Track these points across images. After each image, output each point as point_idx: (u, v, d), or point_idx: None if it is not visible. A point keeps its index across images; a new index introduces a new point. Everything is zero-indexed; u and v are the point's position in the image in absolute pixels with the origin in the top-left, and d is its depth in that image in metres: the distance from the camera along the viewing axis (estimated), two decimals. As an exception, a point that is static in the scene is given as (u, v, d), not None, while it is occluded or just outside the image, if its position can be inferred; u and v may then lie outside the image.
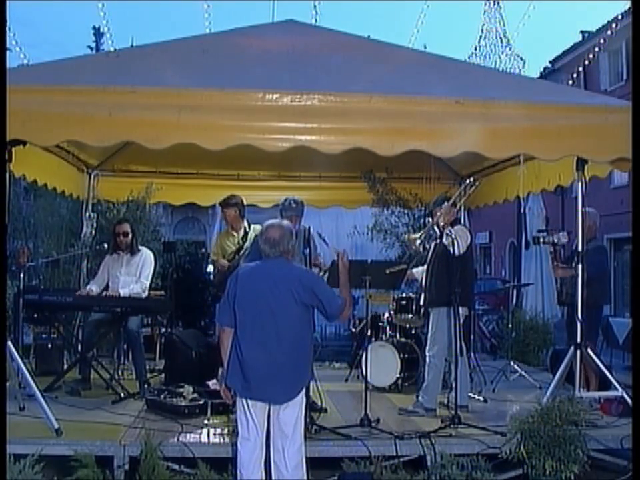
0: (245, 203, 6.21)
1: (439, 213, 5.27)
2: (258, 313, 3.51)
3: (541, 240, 5.90)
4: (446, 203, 5.27)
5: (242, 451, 3.52)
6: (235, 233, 6.15)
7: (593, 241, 5.79)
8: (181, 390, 5.05)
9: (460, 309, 4.97)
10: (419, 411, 5.15)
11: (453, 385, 4.96)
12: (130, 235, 6.06)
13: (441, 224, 5.21)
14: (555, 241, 5.75)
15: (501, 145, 4.53)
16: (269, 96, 4.27)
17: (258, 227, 4.75)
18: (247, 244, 5.90)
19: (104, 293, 5.94)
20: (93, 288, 5.97)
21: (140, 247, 6.16)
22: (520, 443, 4.09)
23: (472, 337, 6.58)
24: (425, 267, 5.55)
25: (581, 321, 4.84)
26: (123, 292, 5.82)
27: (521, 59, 19.83)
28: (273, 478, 3.51)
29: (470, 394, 5.62)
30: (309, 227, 5.00)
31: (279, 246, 3.58)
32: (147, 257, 6.10)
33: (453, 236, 4.98)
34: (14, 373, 4.76)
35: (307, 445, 3.76)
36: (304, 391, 3.63)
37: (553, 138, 4.51)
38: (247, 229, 6.07)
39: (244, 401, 3.52)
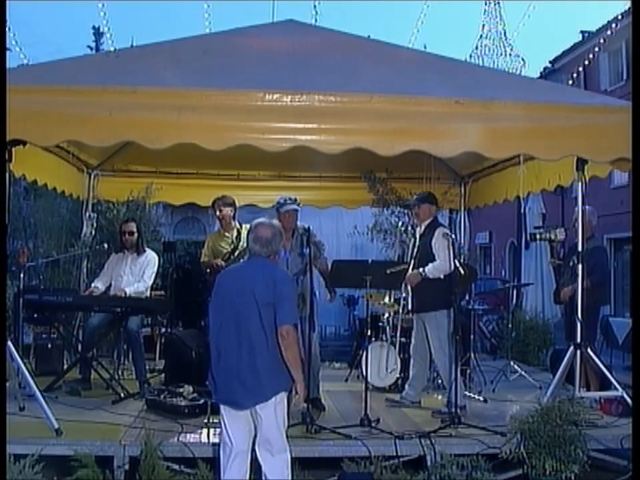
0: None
1: (417, 211, 5.42)
2: (224, 315, 3.46)
3: (538, 237, 5.85)
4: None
5: (221, 454, 3.48)
6: (227, 234, 6.16)
7: (591, 240, 5.72)
8: (181, 390, 5.05)
9: (439, 312, 5.17)
10: (404, 402, 5.40)
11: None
12: (136, 234, 6.09)
13: (419, 221, 5.39)
14: (552, 237, 5.71)
15: (501, 145, 4.53)
16: (269, 96, 4.27)
17: None
18: (242, 243, 5.87)
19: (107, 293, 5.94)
20: (99, 285, 5.99)
21: (146, 248, 6.19)
22: (520, 443, 4.09)
23: (472, 336, 6.58)
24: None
25: (581, 320, 4.83)
26: (128, 290, 5.83)
27: (522, 59, 19.77)
28: None
29: (470, 394, 5.71)
30: (309, 227, 4.99)
31: (270, 245, 3.51)
32: (151, 258, 6.13)
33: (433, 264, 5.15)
34: (14, 373, 4.75)
35: (307, 445, 3.77)
36: (281, 396, 3.40)
37: (553, 138, 4.51)
38: (240, 229, 6.08)
39: (220, 404, 3.48)
